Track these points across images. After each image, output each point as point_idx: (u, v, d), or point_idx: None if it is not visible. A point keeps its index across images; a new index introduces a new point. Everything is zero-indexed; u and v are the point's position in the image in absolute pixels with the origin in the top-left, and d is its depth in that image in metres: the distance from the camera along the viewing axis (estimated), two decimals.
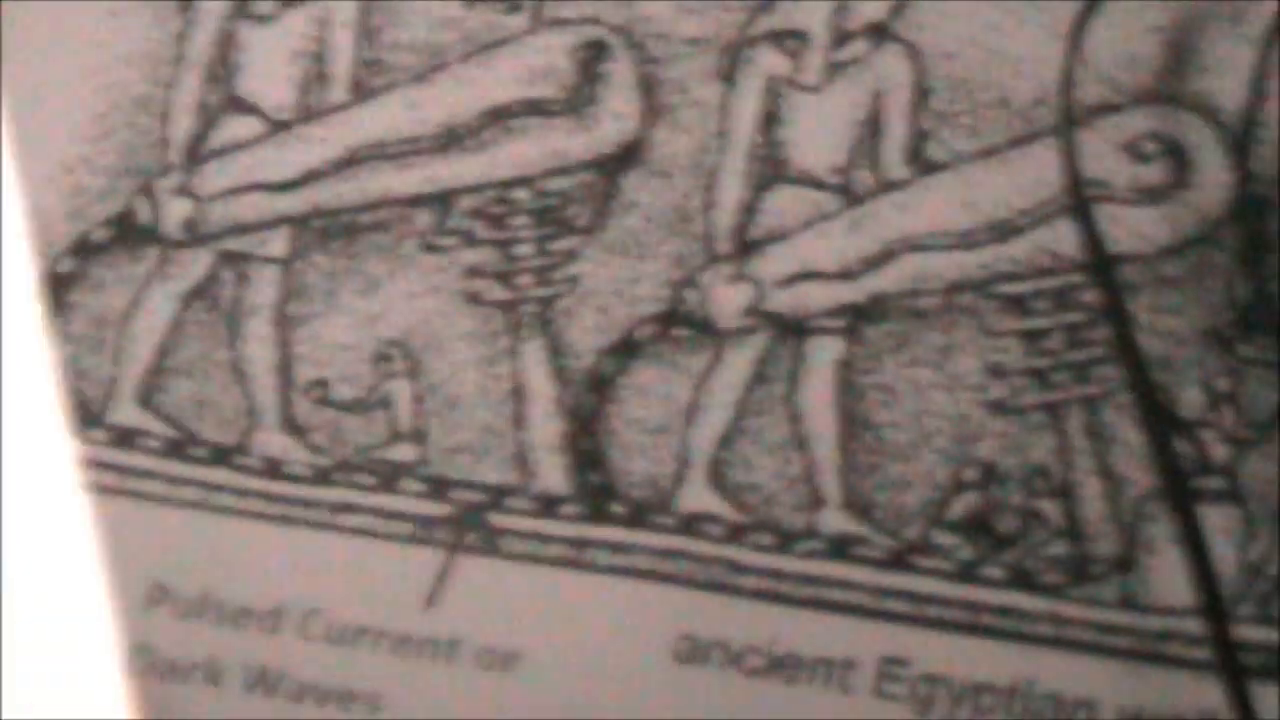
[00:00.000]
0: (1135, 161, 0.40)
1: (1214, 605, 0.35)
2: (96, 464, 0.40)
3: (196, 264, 0.43)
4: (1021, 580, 0.39)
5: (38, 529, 0.39)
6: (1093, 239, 0.38)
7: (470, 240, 0.42)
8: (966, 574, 0.39)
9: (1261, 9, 0.40)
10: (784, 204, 0.41)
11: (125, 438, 0.41)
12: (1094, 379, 0.39)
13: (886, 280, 0.41)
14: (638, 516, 0.40)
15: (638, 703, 0.38)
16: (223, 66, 0.43)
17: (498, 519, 0.40)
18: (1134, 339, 0.38)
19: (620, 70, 0.42)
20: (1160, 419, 0.38)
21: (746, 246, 0.41)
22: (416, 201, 0.42)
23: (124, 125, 0.44)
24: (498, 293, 0.42)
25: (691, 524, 0.40)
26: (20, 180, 0.42)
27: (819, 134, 0.41)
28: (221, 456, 0.42)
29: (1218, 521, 0.38)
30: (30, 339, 0.39)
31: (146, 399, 0.42)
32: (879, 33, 0.41)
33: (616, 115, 0.42)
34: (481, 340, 0.42)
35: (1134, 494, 0.39)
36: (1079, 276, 0.40)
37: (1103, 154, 0.40)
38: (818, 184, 0.41)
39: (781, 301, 0.41)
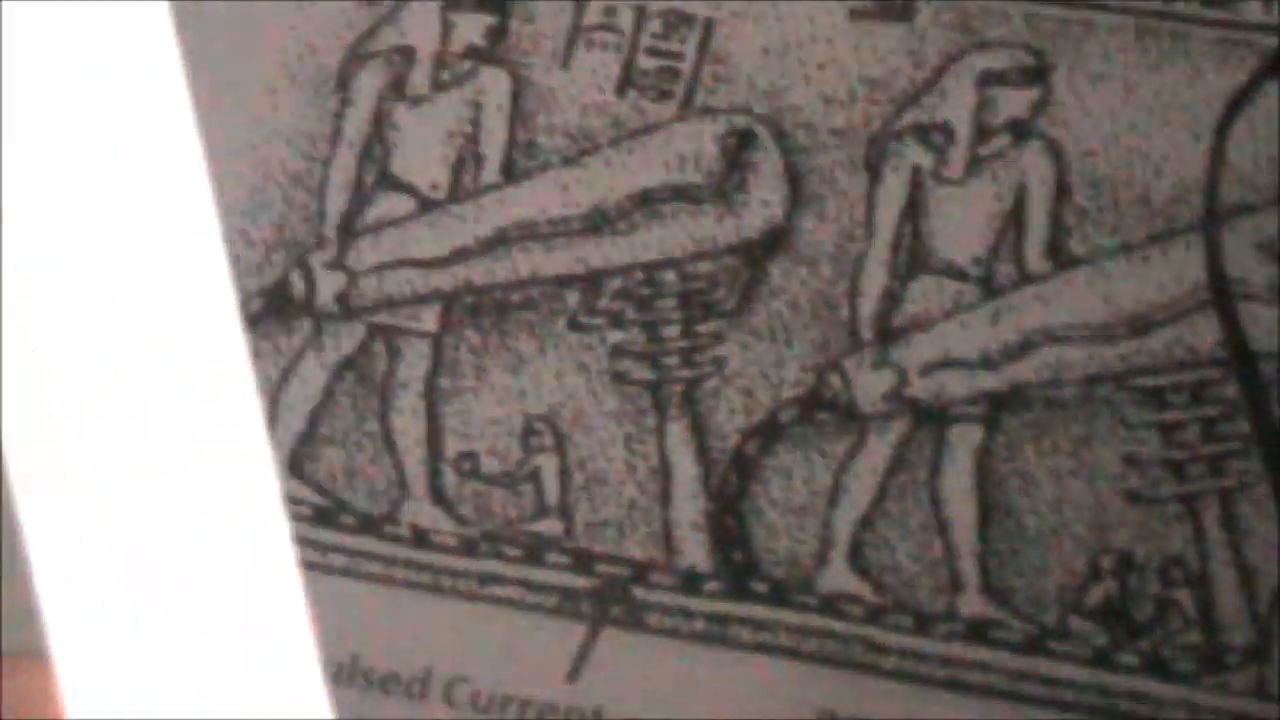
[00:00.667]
0: (1271, 261, 0.41)
1: None
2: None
3: (349, 337, 0.43)
4: (1156, 668, 0.40)
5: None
6: (1235, 334, 0.40)
7: (617, 321, 0.43)
8: (1102, 660, 0.40)
9: None
10: (926, 293, 0.42)
11: None
12: (1230, 472, 0.40)
13: (1026, 370, 0.42)
14: (779, 595, 0.41)
15: None
16: (377, 145, 0.44)
17: (641, 594, 0.41)
18: (1274, 432, 0.40)
19: (767, 159, 0.43)
20: None
21: (889, 334, 0.42)
22: (565, 281, 0.44)
23: (279, 200, 0.45)
24: (644, 373, 0.43)
25: (832, 604, 0.41)
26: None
27: (961, 226, 0.42)
28: (370, 525, 0.43)
29: None
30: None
31: (298, 468, 0.43)
32: (1021, 129, 0.42)
33: (763, 203, 0.43)
34: (627, 419, 0.43)
35: (1268, 586, 0.40)
36: (1215, 371, 0.41)
37: (1241, 253, 0.41)
38: (960, 275, 0.42)
39: (923, 388, 0.42)
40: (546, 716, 0.41)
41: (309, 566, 0.41)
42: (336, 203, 0.44)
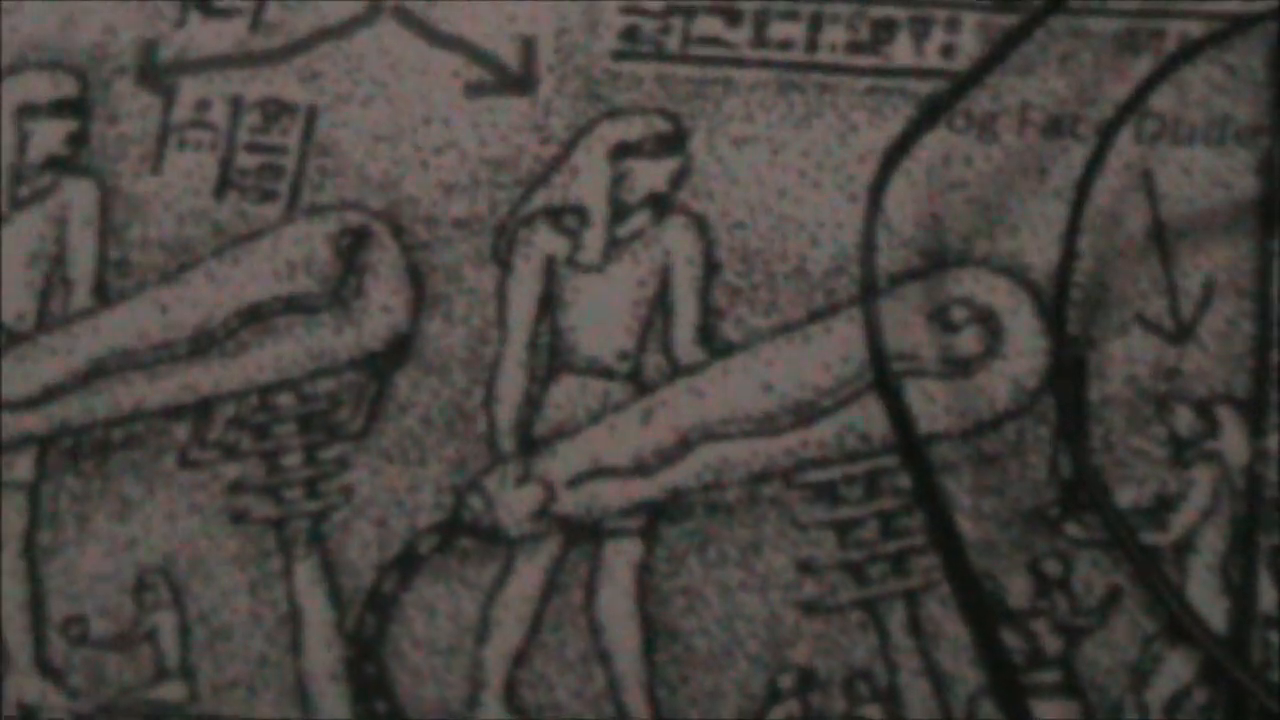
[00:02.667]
0: (944, 331, 0.41)
1: None
2: None
3: None
4: None
5: None
6: (901, 418, 0.39)
7: (232, 453, 0.43)
8: None
9: (1068, 161, 0.42)
10: (570, 396, 0.42)
11: None
12: (913, 570, 0.40)
13: (684, 474, 0.41)
14: None
15: None
16: None
17: None
18: (952, 524, 0.39)
19: (385, 258, 0.43)
20: (986, 610, 0.39)
21: (532, 445, 0.42)
22: (172, 413, 0.43)
23: None
24: (265, 509, 0.42)
25: None
26: None
27: (604, 317, 0.42)
28: None
29: (1058, 717, 0.38)
30: None
31: None
32: (662, 204, 0.42)
33: (383, 308, 0.43)
34: (250, 562, 0.42)
35: (963, 692, 0.40)
36: (891, 459, 0.40)
37: (910, 324, 0.41)
38: (606, 372, 0.42)
39: (573, 503, 0.41)
40: None
41: None
42: None
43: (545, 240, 0.43)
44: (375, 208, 0.44)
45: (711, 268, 0.42)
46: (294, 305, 0.43)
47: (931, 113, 0.41)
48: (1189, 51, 0.42)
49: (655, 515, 0.41)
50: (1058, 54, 0.43)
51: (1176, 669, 0.40)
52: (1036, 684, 0.40)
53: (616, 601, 0.41)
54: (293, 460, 0.42)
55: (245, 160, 0.44)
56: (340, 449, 0.42)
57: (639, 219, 0.42)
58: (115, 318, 0.44)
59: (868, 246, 0.41)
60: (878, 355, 0.40)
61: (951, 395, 0.41)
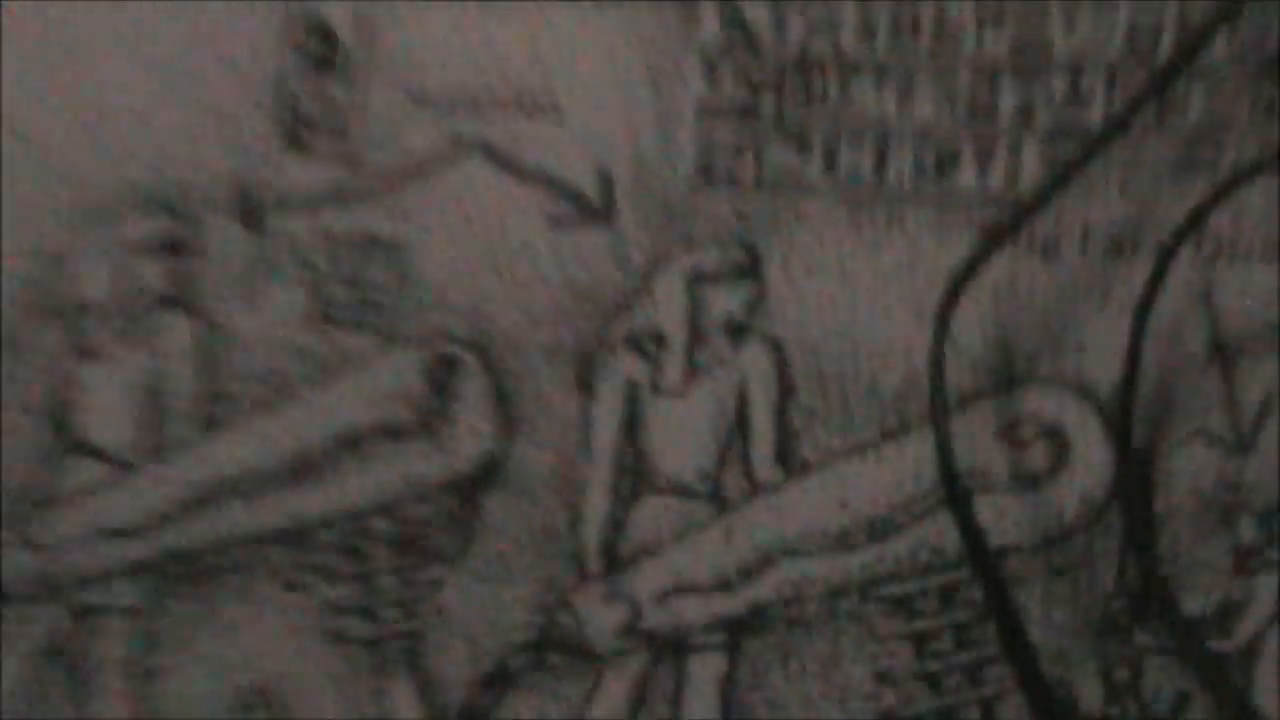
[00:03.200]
0: (1013, 447, 0.42)
1: None
2: None
3: (45, 619, 0.44)
4: None
5: None
6: (972, 532, 0.40)
7: (330, 576, 0.44)
8: None
9: (1129, 280, 0.43)
10: (654, 515, 0.44)
11: None
12: (988, 679, 0.42)
13: (765, 589, 0.43)
14: None
15: None
16: (60, 408, 0.46)
17: None
18: (1024, 634, 0.40)
19: (474, 385, 0.44)
20: (1059, 717, 0.40)
21: (618, 563, 0.43)
22: (272, 538, 0.44)
23: None
24: (362, 629, 0.44)
25: None
26: None
27: (685, 439, 0.44)
28: None
29: None
30: None
31: None
32: (738, 329, 0.43)
33: (472, 432, 0.44)
34: (348, 681, 0.44)
35: None
36: (963, 572, 0.42)
37: (979, 441, 0.42)
38: (687, 492, 0.43)
39: (658, 619, 0.43)
40: None
41: None
42: (22, 473, 0.45)
43: (627, 366, 0.44)
44: (464, 337, 0.45)
45: (787, 389, 0.43)
46: (388, 432, 0.44)
47: (997, 237, 0.42)
48: (1245, 172, 0.43)
49: (737, 629, 0.43)
50: (1117, 177, 0.44)
51: None
52: None
53: (702, 714, 0.43)
54: (388, 582, 0.44)
55: (339, 293, 0.45)
56: (434, 571, 0.44)
57: (717, 344, 0.43)
58: (216, 448, 0.45)
59: (936, 366, 0.42)
60: (948, 472, 0.41)
61: (1021, 509, 0.43)
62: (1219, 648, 0.42)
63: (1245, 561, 0.42)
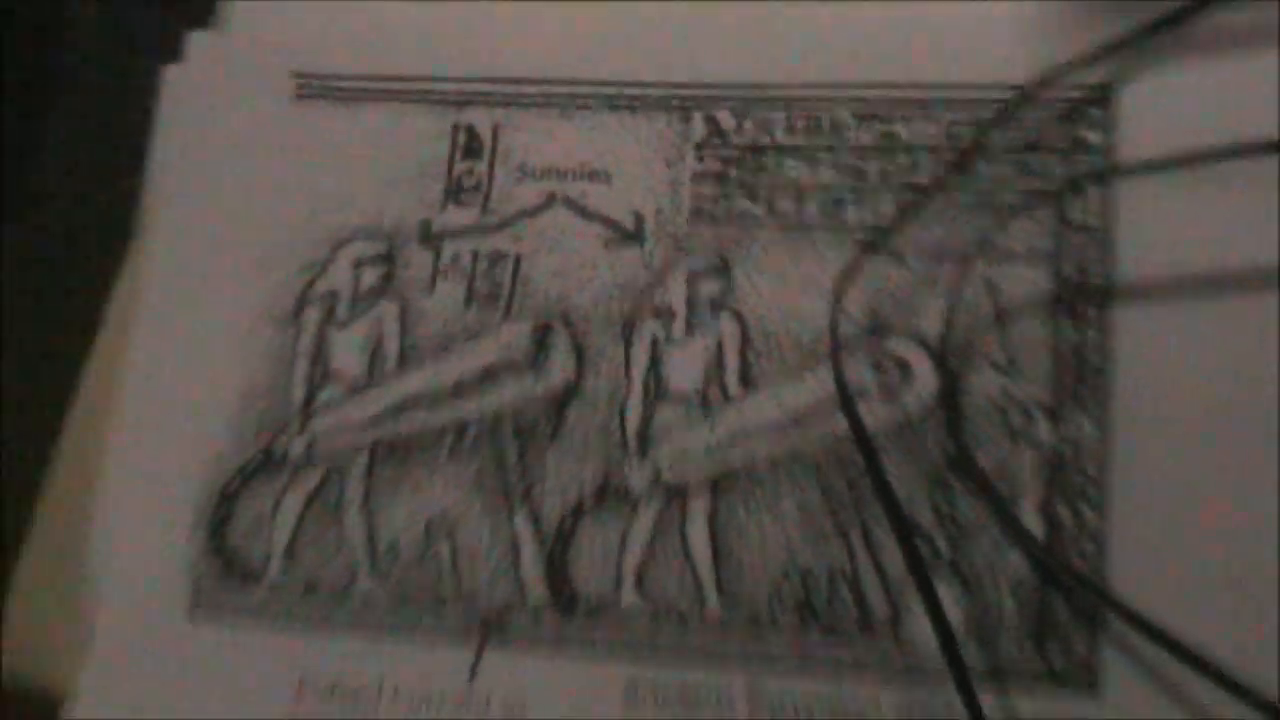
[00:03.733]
0: (878, 373, 0.43)
1: (949, 643, 0.38)
2: (260, 608, 0.42)
3: (313, 478, 0.45)
4: (831, 635, 0.41)
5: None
6: (856, 423, 0.41)
7: (477, 452, 0.44)
8: (798, 634, 0.40)
9: (949, 273, 0.43)
10: (667, 415, 0.43)
11: (277, 589, 0.46)
12: (866, 510, 0.41)
13: (734, 458, 0.43)
14: (594, 615, 0.42)
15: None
16: (320, 355, 0.46)
17: (509, 622, 0.42)
18: (888, 483, 0.40)
19: (561, 342, 0.44)
20: (907, 531, 0.40)
21: (647, 444, 0.43)
22: (442, 431, 0.44)
23: (265, 393, 0.46)
24: (497, 484, 0.43)
25: (627, 616, 0.41)
26: (204, 433, 0.44)
27: (685, 370, 0.44)
28: (337, 596, 0.43)
29: (946, 591, 0.40)
30: None
31: (288, 564, 0.44)
32: (717, 305, 0.44)
33: (561, 369, 0.44)
34: (489, 514, 0.43)
35: (895, 578, 0.41)
36: (851, 447, 0.41)
37: (858, 369, 0.43)
38: (687, 401, 0.43)
39: (671, 476, 0.43)
40: (457, 706, 0.41)
41: (299, 627, 0.41)
42: (299, 393, 0.46)
43: (651, 328, 0.44)
44: (554, 312, 0.45)
45: (746, 340, 0.44)
46: (510, 368, 0.45)
47: (868, 249, 0.43)
48: (1015, 210, 0.43)
49: (718, 483, 0.42)
50: (939, 214, 0.44)
51: (1016, 562, 0.40)
52: (936, 572, 0.40)
53: (697, 532, 0.42)
54: (512, 456, 0.44)
55: (480, 287, 0.46)
56: (539, 449, 0.44)
57: (704, 314, 0.44)
58: (410, 377, 0.45)
59: (834, 326, 0.43)
60: (842, 387, 0.42)
61: (884, 409, 0.42)
62: (1000, 490, 0.41)
63: (1014, 438, 0.41)
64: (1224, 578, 0.38)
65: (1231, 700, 0.35)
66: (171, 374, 0.46)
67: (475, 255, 0.45)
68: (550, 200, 0.45)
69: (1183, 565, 0.38)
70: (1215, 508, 0.38)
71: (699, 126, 0.45)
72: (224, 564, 0.44)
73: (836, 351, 0.42)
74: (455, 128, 0.46)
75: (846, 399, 0.41)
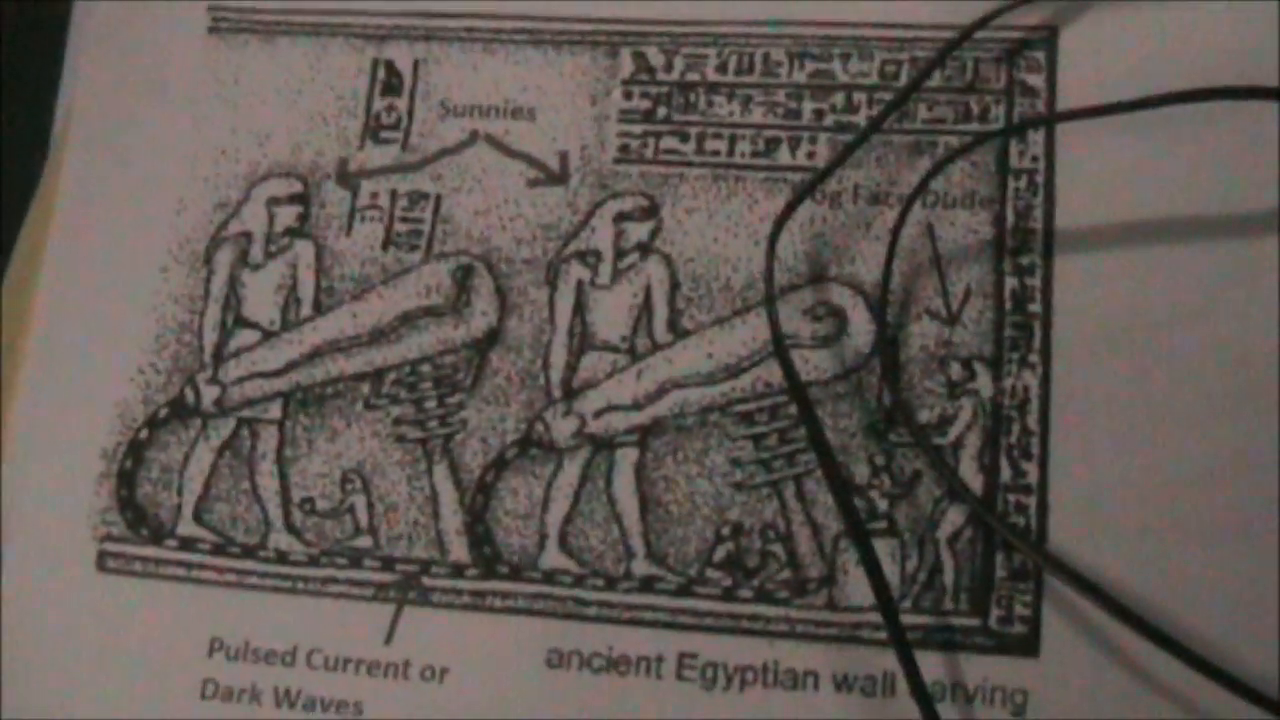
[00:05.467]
0: (812, 321, 0.35)
1: (887, 604, 0.32)
2: (170, 562, 0.33)
3: (224, 428, 0.37)
4: (763, 597, 0.34)
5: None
6: (790, 372, 0.34)
7: (395, 401, 0.36)
8: (728, 596, 0.34)
9: (886, 218, 0.36)
10: (593, 363, 0.36)
11: (187, 544, 0.33)
12: (799, 463, 0.34)
13: (662, 408, 0.35)
14: (515, 574, 0.35)
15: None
16: (233, 298, 0.38)
17: (427, 581, 0.35)
18: (823, 435, 0.34)
19: (483, 284, 0.37)
20: (843, 486, 0.33)
21: (572, 393, 0.36)
22: (359, 378, 0.37)
23: (174, 341, 0.38)
24: (415, 434, 0.36)
25: (551, 576, 0.35)
26: (112, 379, 0.37)
27: (612, 316, 0.36)
28: (249, 552, 0.36)
29: (884, 549, 0.33)
30: None
31: (199, 518, 0.36)
32: (645, 249, 0.37)
33: (482, 313, 0.37)
34: (407, 465, 0.36)
35: (830, 535, 0.34)
36: (784, 397, 0.35)
37: (792, 317, 0.36)
38: (613, 349, 0.36)
39: (597, 427, 0.36)
40: (373, 670, 0.34)
41: (210, 583, 0.30)
42: (210, 339, 0.38)
43: (576, 271, 0.37)
44: (476, 254, 0.37)
45: (675, 285, 0.37)
46: (430, 312, 0.37)
47: (803, 193, 0.36)
48: (951, 155, 0.36)
49: (645, 433, 0.35)
50: (875, 156, 0.37)
51: (954, 518, 0.33)
52: (873, 529, 0.34)
53: (624, 485, 0.35)
54: (431, 405, 0.37)
55: (400, 228, 0.38)
56: (459, 397, 0.37)
57: (632, 258, 0.37)
58: (325, 322, 0.37)
59: (769, 272, 0.35)
60: (776, 335, 0.35)
61: (819, 358, 0.35)
62: (938, 442, 0.34)
63: (953, 390, 0.34)
64: (1165, 532, 0.32)
65: (1172, 659, 0.30)
66: (78, 316, 0.40)
67: (394, 195, 0.38)
68: (472, 138, 0.39)
69: (1123, 520, 0.32)
70: (1156, 460, 0.32)
71: (627, 63, 0.39)
72: (133, 516, 0.37)
73: (771, 298, 0.35)
74: (375, 63, 0.39)
75: (781, 347, 0.35)
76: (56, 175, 0.38)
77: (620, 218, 0.37)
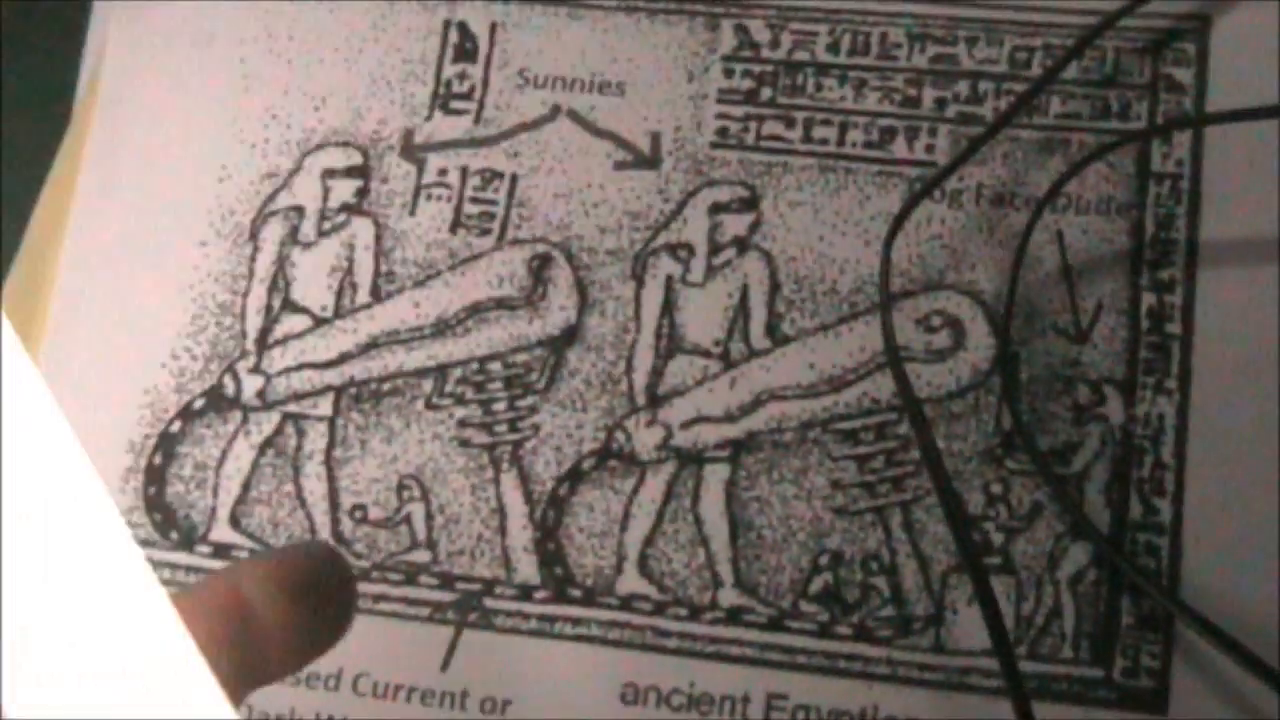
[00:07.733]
0: (927, 332, 0.35)
1: (1004, 649, 0.30)
2: (201, 570, 0.34)
3: (267, 423, 0.36)
4: (863, 635, 0.33)
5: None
6: (905, 386, 0.33)
7: (460, 401, 0.36)
8: (824, 632, 0.33)
9: (1012, 222, 0.35)
10: (682, 368, 0.35)
11: (221, 551, 0.36)
12: (908, 488, 0.34)
13: (757, 422, 0.35)
14: (589, 598, 0.34)
15: None
16: (281, 279, 0.37)
17: (490, 603, 0.34)
18: (939, 459, 0.33)
19: (561, 275, 0.36)
20: (957, 515, 0.32)
21: (657, 400, 0.35)
22: (420, 374, 0.36)
23: (213, 324, 0.37)
24: (481, 439, 0.35)
25: (628, 602, 0.34)
26: (141, 364, 0.36)
27: (704, 317, 0.36)
28: None
29: (998, 588, 0.32)
30: None
31: (235, 522, 0.36)
32: (743, 244, 0.36)
33: (560, 307, 0.36)
34: (472, 473, 0.35)
35: (939, 570, 0.33)
36: (893, 414, 0.35)
37: (904, 326, 0.35)
38: (705, 353, 0.35)
39: (684, 439, 0.35)
40: (427, 699, 0.33)
41: None
42: (253, 323, 0.37)
43: (666, 266, 0.36)
44: (555, 241, 0.37)
45: (775, 286, 0.36)
46: (502, 304, 0.37)
47: (922, 191, 0.35)
48: (1090, 157, 0.35)
49: (737, 448, 0.35)
50: (1002, 153, 0.36)
51: (1077, 557, 0.33)
52: (987, 565, 0.33)
53: (712, 505, 0.34)
54: (500, 407, 0.36)
55: (470, 209, 0.37)
56: (531, 400, 0.36)
57: (728, 253, 0.36)
58: (385, 310, 0.37)
59: (884, 276, 0.34)
60: (890, 346, 0.34)
61: (932, 373, 0.35)
62: (1062, 472, 0.33)
63: (1080, 415, 0.33)
64: None
65: None
66: (105, 293, 0.38)
67: (465, 172, 0.37)
68: (554, 112, 0.38)
69: (1264, 567, 0.32)
70: None
71: (728, 37, 0.38)
72: (161, 518, 0.35)
73: (886, 305, 0.35)
74: (447, 24, 0.38)
75: (895, 359, 0.34)
76: (83, 134, 0.37)
77: (716, 208, 0.36)
